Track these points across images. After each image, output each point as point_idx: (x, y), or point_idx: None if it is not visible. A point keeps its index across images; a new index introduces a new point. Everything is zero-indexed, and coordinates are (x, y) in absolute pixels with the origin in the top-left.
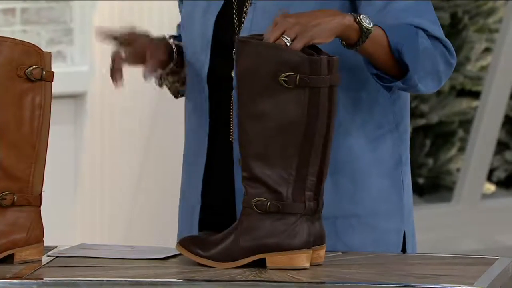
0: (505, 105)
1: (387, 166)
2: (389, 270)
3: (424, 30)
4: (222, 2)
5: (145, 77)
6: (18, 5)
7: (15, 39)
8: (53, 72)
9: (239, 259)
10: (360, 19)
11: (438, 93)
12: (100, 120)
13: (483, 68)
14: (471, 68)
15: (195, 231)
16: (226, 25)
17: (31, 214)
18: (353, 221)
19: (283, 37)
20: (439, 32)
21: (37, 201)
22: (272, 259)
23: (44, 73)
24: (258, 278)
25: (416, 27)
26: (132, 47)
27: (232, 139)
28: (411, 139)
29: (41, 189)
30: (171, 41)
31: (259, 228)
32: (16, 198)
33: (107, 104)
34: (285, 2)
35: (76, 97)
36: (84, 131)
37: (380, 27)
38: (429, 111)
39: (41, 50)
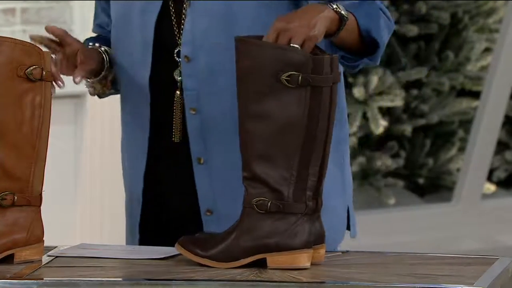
0: (505, 105)
1: (332, 145)
2: (389, 270)
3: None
4: (161, 2)
5: (74, 81)
6: (18, 5)
7: (15, 39)
8: None
9: (239, 259)
10: (338, 8)
11: (438, 93)
12: (100, 120)
13: (483, 68)
14: (471, 68)
15: (135, 231)
16: (166, 26)
17: (31, 214)
18: None
19: (292, 45)
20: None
21: (37, 201)
22: (273, 259)
23: (44, 73)
24: (258, 278)
25: None
26: (62, 53)
27: (176, 139)
28: (411, 139)
29: (41, 189)
30: (102, 49)
31: (259, 228)
32: (16, 198)
33: (107, 104)
34: (225, 1)
35: (76, 97)
36: (84, 131)
37: (349, 11)
38: (429, 111)
39: (41, 50)
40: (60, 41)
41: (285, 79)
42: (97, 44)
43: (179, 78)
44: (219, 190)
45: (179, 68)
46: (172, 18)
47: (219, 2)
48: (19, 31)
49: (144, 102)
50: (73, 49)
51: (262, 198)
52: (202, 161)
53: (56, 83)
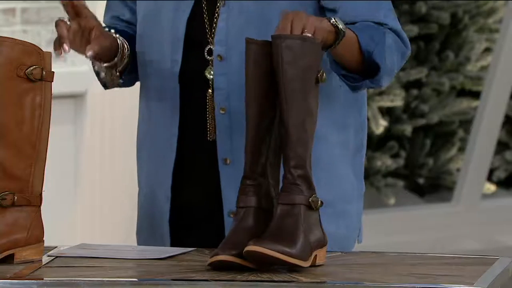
0: (505, 105)
1: (351, 151)
2: (389, 270)
3: (385, 24)
4: (193, 1)
5: (86, 56)
6: (18, 5)
7: (15, 39)
8: (53, 72)
9: (310, 256)
10: (336, 22)
11: (438, 93)
12: (100, 120)
13: (483, 68)
14: (471, 68)
15: (165, 228)
16: (197, 24)
17: (31, 214)
18: (327, 208)
19: (305, 34)
20: (396, 23)
21: (37, 201)
22: (321, 255)
23: (44, 73)
24: (258, 278)
25: (378, 23)
26: (78, 24)
27: (210, 138)
28: (411, 139)
29: (41, 189)
30: (119, 38)
31: (315, 224)
32: (16, 198)
33: (107, 104)
34: (261, 2)
35: (76, 97)
36: (84, 131)
37: (350, 29)
38: (429, 111)
39: (41, 50)
40: (77, 11)
41: (319, 76)
42: (112, 30)
43: (210, 77)
44: None
45: (210, 67)
46: (204, 16)
47: (255, 2)
48: (19, 31)
49: (173, 99)
50: (89, 23)
51: (314, 195)
52: (228, 162)
53: (62, 47)
